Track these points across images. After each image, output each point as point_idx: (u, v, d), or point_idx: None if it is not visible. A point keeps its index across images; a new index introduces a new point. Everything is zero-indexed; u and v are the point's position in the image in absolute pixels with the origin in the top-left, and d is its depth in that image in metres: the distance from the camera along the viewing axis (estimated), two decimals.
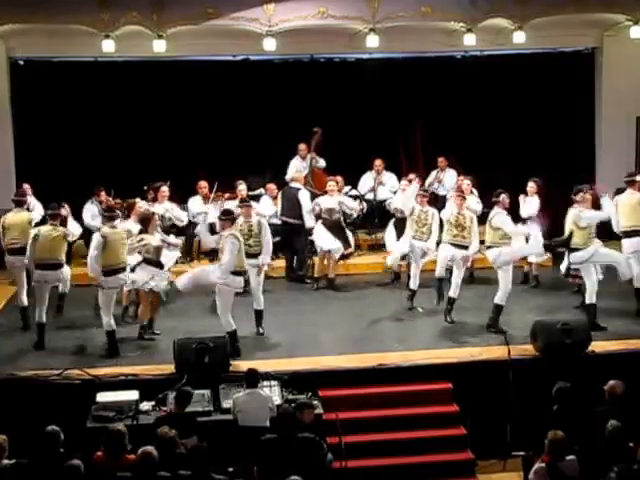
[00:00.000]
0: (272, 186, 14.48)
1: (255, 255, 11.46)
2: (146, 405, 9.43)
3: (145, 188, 14.06)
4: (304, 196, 13.95)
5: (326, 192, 13.77)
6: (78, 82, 15.22)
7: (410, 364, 10.32)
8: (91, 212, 13.94)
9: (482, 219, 12.28)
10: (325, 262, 13.67)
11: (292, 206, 13.94)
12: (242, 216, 11.71)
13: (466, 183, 13.45)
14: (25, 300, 11.80)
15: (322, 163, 14.97)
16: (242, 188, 13.73)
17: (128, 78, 15.31)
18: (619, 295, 12.29)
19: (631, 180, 11.99)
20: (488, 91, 15.91)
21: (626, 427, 7.93)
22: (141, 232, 11.38)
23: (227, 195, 14.06)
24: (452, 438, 9.86)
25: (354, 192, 14.87)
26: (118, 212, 11.68)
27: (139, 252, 11.20)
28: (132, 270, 11.15)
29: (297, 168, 14.79)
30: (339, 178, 14.14)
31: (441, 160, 15.35)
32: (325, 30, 14.69)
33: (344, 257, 13.79)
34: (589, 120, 16.22)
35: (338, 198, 13.75)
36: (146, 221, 11.42)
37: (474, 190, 13.63)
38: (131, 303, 11.96)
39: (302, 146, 14.99)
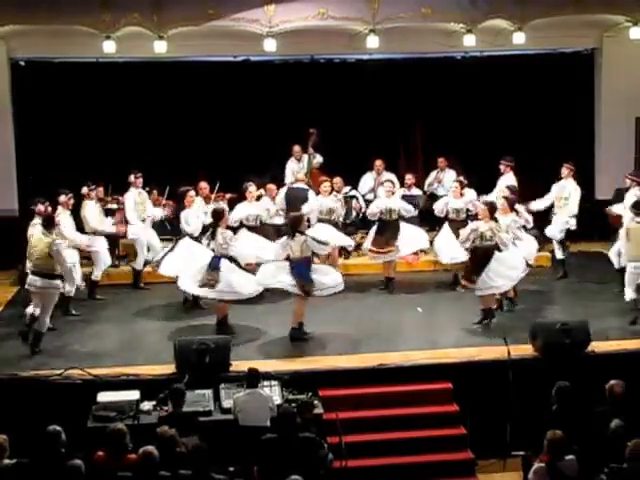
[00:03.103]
0: (272, 186, 14.44)
1: None
2: (147, 405, 9.43)
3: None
4: (313, 197, 13.97)
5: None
6: (79, 83, 15.24)
7: (410, 364, 10.34)
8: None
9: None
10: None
11: (299, 207, 13.91)
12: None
13: (454, 186, 13.53)
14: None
15: (319, 158, 15.02)
16: (252, 189, 13.61)
17: (129, 79, 15.33)
18: (619, 295, 12.33)
19: None
20: (488, 92, 15.92)
21: (626, 427, 7.96)
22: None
23: (228, 196, 14.08)
24: (452, 438, 9.87)
25: (354, 192, 14.88)
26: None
27: None
28: None
29: (293, 170, 14.82)
30: (337, 179, 14.14)
31: (441, 160, 15.39)
32: (325, 31, 14.72)
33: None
34: (589, 120, 16.24)
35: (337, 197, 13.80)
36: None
37: (465, 190, 13.67)
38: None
39: (296, 148, 15.04)
